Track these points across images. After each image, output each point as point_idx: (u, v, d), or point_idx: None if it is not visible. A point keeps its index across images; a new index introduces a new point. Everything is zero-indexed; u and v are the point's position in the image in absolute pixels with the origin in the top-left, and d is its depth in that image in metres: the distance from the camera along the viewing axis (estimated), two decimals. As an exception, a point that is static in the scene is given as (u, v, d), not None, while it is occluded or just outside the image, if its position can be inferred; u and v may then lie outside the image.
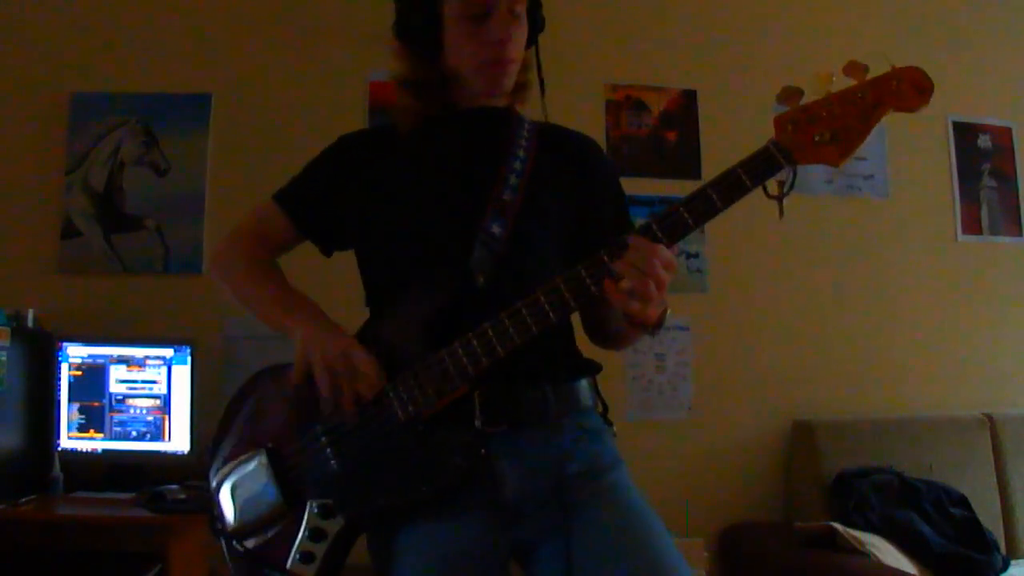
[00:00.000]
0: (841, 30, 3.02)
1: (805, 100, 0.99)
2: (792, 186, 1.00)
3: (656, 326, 1.07)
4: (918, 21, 3.13)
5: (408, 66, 1.23)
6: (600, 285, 1.01)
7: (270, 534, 1.11)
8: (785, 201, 1.00)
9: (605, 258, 1.00)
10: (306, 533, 1.08)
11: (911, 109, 0.96)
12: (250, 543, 1.12)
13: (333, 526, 1.08)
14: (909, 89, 0.95)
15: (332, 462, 1.10)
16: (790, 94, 1.00)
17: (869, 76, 0.97)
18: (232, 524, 1.14)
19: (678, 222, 0.99)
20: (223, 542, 1.16)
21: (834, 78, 0.98)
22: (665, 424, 2.76)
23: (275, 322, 1.19)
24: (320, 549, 1.07)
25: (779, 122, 1.00)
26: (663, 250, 0.98)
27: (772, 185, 0.99)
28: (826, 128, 0.97)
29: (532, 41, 1.24)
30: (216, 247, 1.31)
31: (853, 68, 0.97)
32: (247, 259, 1.26)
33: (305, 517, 1.09)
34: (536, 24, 1.22)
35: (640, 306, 0.99)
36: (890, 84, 0.96)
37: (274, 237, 1.27)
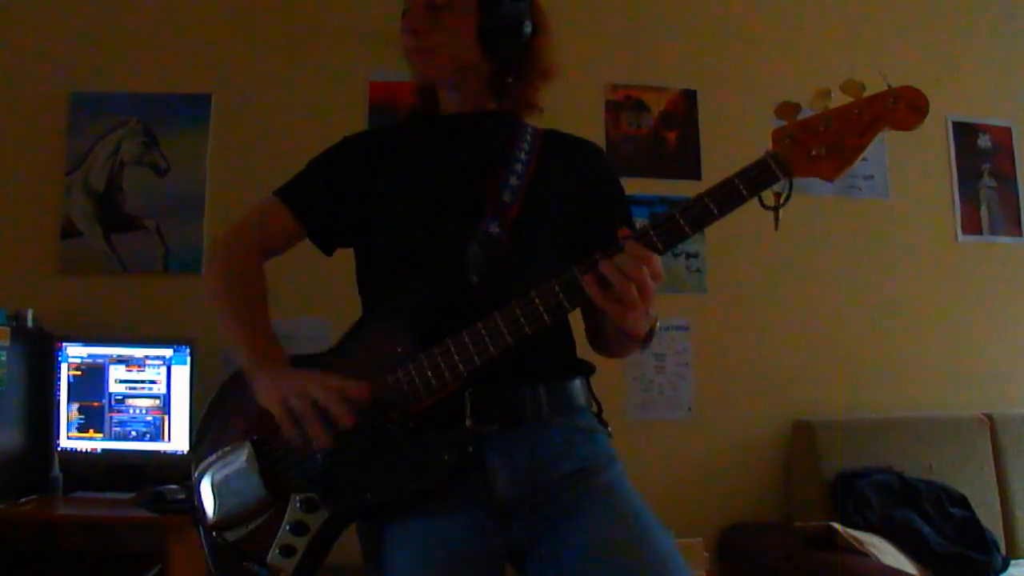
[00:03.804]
0: (841, 30, 3.02)
1: (802, 115, 1.01)
2: (788, 198, 1.01)
3: (645, 339, 1.08)
4: (918, 21, 3.13)
5: None
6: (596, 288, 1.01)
7: (252, 526, 1.10)
8: (781, 213, 1.01)
9: (600, 260, 1.01)
10: (288, 526, 1.07)
11: (907, 128, 0.98)
12: (231, 535, 1.11)
13: (316, 520, 1.07)
14: (905, 109, 0.97)
15: (318, 455, 1.08)
16: (788, 109, 1.02)
17: (866, 94, 0.99)
18: (214, 516, 1.13)
19: (675, 229, 1.00)
20: (202, 533, 1.15)
21: (832, 95, 1.00)
22: (665, 424, 2.76)
23: (238, 352, 1.16)
24: (301, 543, 1.07)
25: (777, 135, 1.01)
26: (654, 258, 0.99)
27: (768, 196, 1.01)
28: (822, 143, 0.99)
29: (493, 39, 1.20)
30: (215, 243, 1.30)
31: (850, 86, 0.99)
32: (233, 274, 1.24)
33: (288, 510, 1.08)
34: (491, 21, 1.19)
35: (619, 308, 0.99)
36: (887, 102, 0.98)
37: (276, 233, 1.26)
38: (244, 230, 1.27)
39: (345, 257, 1.31)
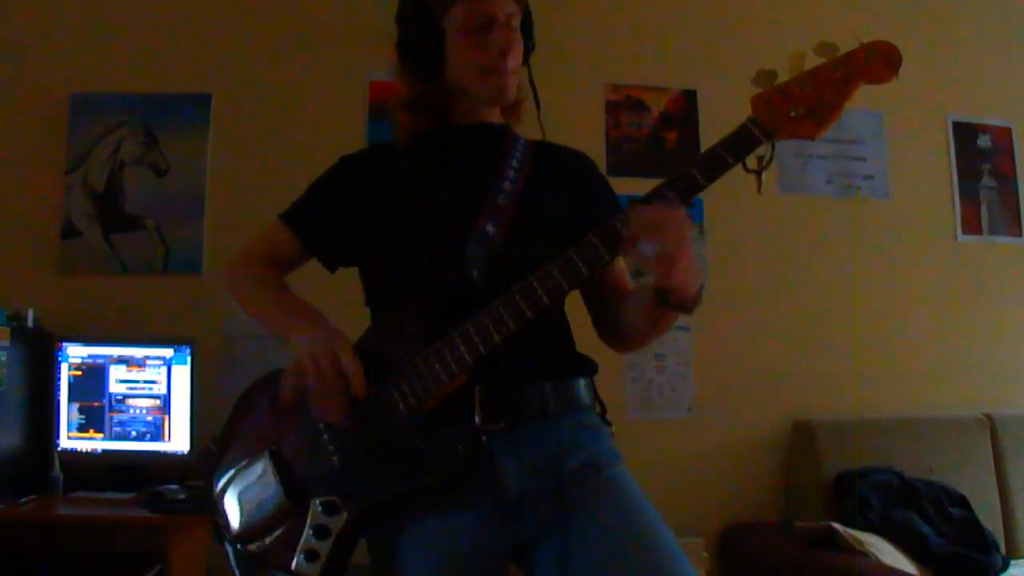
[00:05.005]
0: (841, 31, 3.00)
1: (780, 80, 1.04)
2: (771, 160, 1.03)
3: (694, 301, 1.06)
4: (918, 21, 3.13)
5: (408, 84, 1.27)
6: (591, 267, 1.03)
7: (275, 535, 1.11)
8: (764, 175, 1.03)
9: (594, 239, 1.03)
10: (310, 531, 1.08)
11: (881, 81, 1.00)
12: (255, 546, 1.13)
13: (337, 523, 1.08)
14: (878, 61, 0.99)
15: (334, 458, 1.11)
16: (765, 75, 1.05)
17: (840, 54, 1.01)
18: (237, 528, 1.14)
19: (663, 200, 1.02)
20: (228, 548, 1.16)
21: (806, 58, 1.03)
22: (665, 424, 2.76)
23: (277, 326, 1.21)
24: (324, 547, 1.07)
25: (756, 101, 1.04)
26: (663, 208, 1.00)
27: (751, 160, 1.03)
28: (801, 104, 1.01)
29: (524, 59, 1.27)
30: (225, 264, 1.35)
31: (824, 48, 1.02)
32: (254, 273, 1.30)
33: (309, 515, 1.09)
34: (528, 43, 1.26)
35: (667, 267, 0.99)
36: (860, 58, 1.00)
37: (282, 255, 1.31)
38: (252, 252, 1.32)
39: (348, 278, 1.32)
